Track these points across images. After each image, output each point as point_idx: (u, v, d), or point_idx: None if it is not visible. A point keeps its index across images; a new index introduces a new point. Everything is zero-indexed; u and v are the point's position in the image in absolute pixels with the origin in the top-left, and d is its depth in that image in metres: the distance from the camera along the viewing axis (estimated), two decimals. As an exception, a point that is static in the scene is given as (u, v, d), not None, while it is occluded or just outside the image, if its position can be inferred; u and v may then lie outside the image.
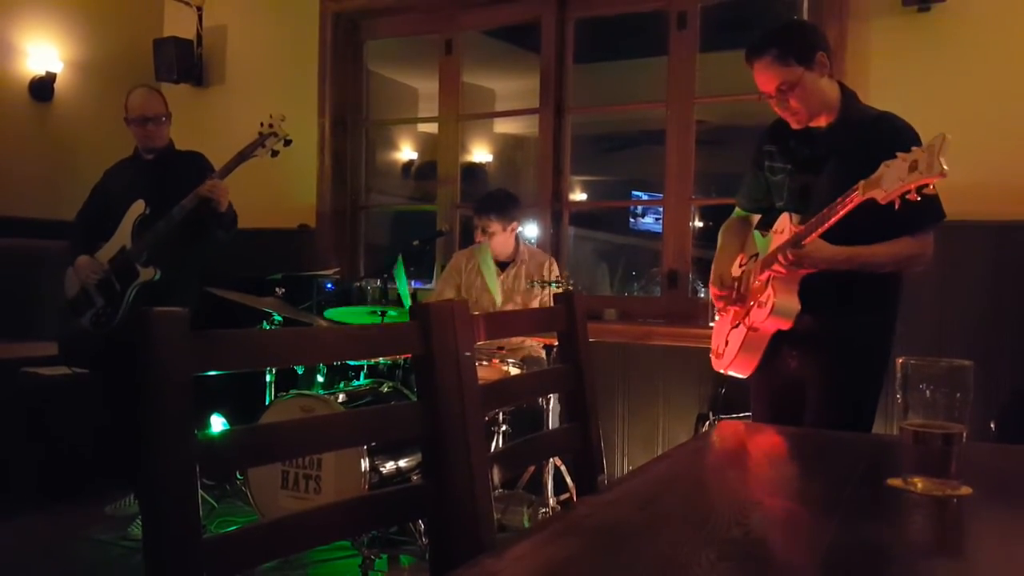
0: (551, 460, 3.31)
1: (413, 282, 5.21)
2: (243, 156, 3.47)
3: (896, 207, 1.91)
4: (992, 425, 2.99)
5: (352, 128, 4.88)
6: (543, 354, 3.68)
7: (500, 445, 3.29)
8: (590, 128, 7.51)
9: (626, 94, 6.37)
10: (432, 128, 5.30)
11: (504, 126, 8.35)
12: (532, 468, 3.39)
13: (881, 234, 2.15)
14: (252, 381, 3.68)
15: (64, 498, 3.84)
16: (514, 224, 3.76)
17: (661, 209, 4.34)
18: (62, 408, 4.00)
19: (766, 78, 2.27)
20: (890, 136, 2.17)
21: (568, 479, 3.40)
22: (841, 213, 2.06)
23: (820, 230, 2.13)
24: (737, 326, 2.44)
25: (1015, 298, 3.24)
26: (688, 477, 1.47)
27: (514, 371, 3.39)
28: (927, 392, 1.23)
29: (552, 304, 1.76)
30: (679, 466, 1.53)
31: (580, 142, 5.39)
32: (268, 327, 3.63)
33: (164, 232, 3.44)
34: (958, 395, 1.23)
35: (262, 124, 3.50)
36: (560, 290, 3.30)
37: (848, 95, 2.32)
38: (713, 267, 2.56)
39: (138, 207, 3.54)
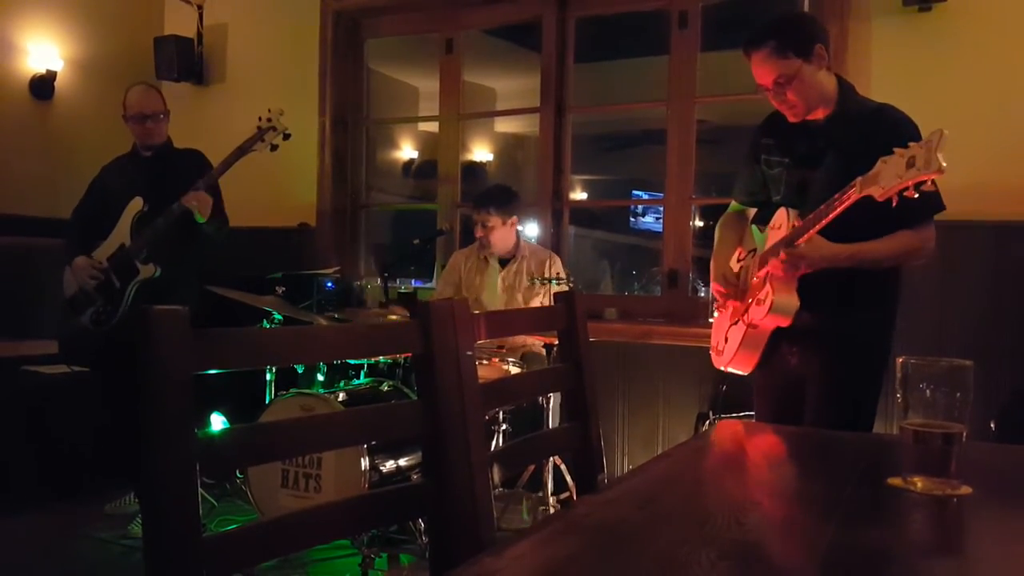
0: (551, 459, 3.31)
1: (413, 281, 5.22)
2: (242, 151, 3.47)
3: (893, 204, 1.90)
4: (992, 425, 2.99)
5: (353, 127, 4.88)
6: (543, 350, 3.68)
7: (500, 444, 3.29)
8: (591, 127, 7.51)
9: (627, 93, 6.37)
10: (433, 127, 5.30)
11: (505, 125, 8.36)
12: (532, 467, 3.39)
13: (880, 228, 2.12)
14: (252, 380, 3.67)
15: (64, 497, 3.84)
16: (513, 218, 3.76)
17: (661, 208, 4.34)
18: (62, 407, 4.00)
19: (763, 71, 2.24)
20: (889, 128, 2.16)
21: (568, 478, 3.40)
22: (837, 211, 2.04)
23: (814, 230, 2.10)
24: (736, 323, 2.43)
25: (1015, 298, 3.24)
26: (688, 476, 1.47)
27: (514, 370, 3.39)
28: (927, 392, 1.23)
29: (553, 302, 1.76)
30: (679, 465, 1.52)
31: (581, 141, 5.39)
32: (268, 326, 3.63)
33: (163, 229, 3.44)
34: (958, 395, 1.23)
35: (260, 118, 3.50)
36: (561, 288, 3.31)
37: (846, 87, 2.30)
38: (713, 264, 2.54)
39: (136, 204, 3.53)
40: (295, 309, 3.67)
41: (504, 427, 3.33)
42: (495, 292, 3.78)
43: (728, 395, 3.50)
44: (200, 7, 5.03)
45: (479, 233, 3.75)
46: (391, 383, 3.52)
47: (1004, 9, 3.29)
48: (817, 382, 2.29)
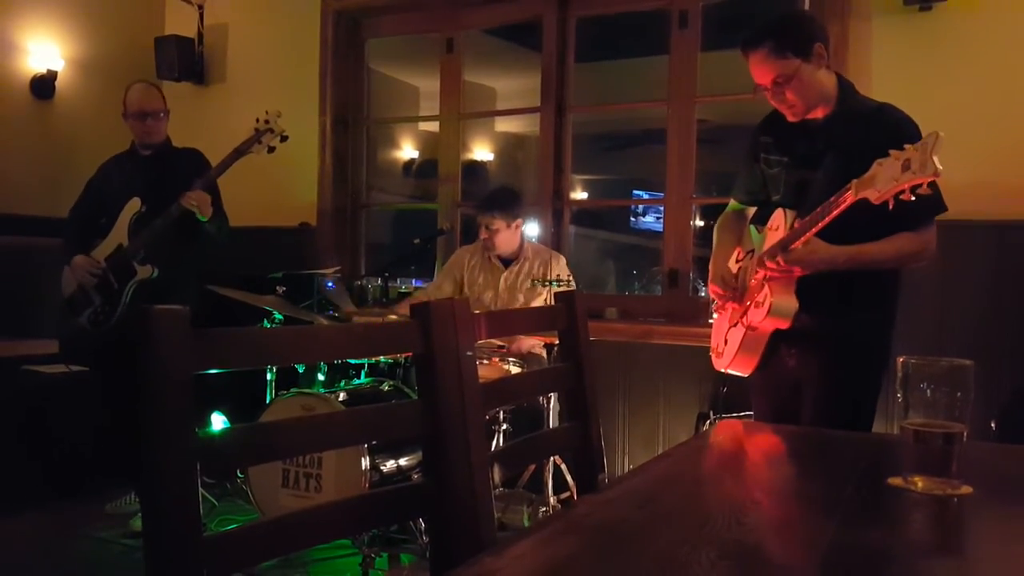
0: (551, 459, 3.31)
1: (414, 281, 5.21)
2: (239, 153, 3.47)
3: (890, 207, 1.89)
4: (993, 424, 2.99)
5: (353, 126, 4.88)
6: (543, 352, 3.68)
7: (500, 444, 3.29)
8: (591, 127, 7.51)
9: (627, 93, 6.36)
10: (433, 127, 5.30)
11: (505, 125, 8.36)
12: (532, 467, 3.39)
13: (880, 230, 2.10)
14: (253, 379, 3.67)
15: (64, 496, 3.84)
16: (518, 221, 3.76)
17: (662, 208, 4.34)
18: (62, 406, 4.00)
19: (762, 71, 2.22)
20: (890, 128, 2.14)
21: (568, 478, 3.40)
22: (833, 214, 2.02)
23: (809, 234, 2.09)
24: (735, 325, 2.42)
25: (1015, 297, 3.24)
26: (688, 476, 1.47)
27: (515, 370, 3.39)
28: (928, 391, 1.23)
29: (554, 303, 1.76)
30: (679, 465, 1.52)
31: (581, 141, 5.38)
32: (269, 325, 3.63)
33: (160, 230, 3.44)
34: (959, 394, 1.23)
35: (258, 120, 3.50)
36: (563, 288, 3.30)
37: (845, 86, 2.28)
38: (711, 265, 2.53)
39: (134, 205, 3.54)
40: (296, 309, 3.67)
41: (504, 427, 3.33)
42: (497, 293, 3.78)
43: (728, 395, 3.50)
44: (201, 7, 5.03)
45: (483, 235, 3.75)
46: (392, 383, 3.52)
47: (1004, 9, 3.29)
48: (816, 383, 2.28)
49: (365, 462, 3.03)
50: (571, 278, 3.68)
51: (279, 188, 4.76)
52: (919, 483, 1.24)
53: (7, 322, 4.18)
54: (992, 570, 1.04)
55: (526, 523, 3.22)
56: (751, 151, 2.46)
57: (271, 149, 3.51)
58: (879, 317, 2.26)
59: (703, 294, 4.09)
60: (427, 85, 6.23)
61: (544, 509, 3.26)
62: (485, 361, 3.37)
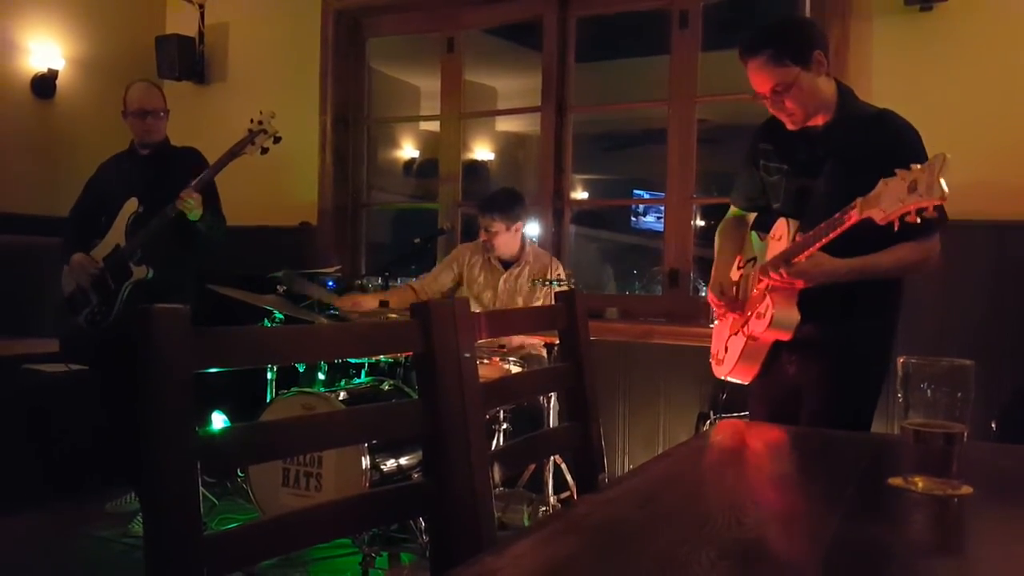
0: (552, 458, 3.31)
1: (414, 280, 5.21)
2: (233, 154, 3.46)
3: (895, 228, 1.87)
4: (993, 425, 2.98)
5: (354, 126, 4.88)
6: (543, 351, 3.68)
7: (501, 443, 3.29)
8: (592, 126, 7.52)
9: (628, 93, 6.36)
10: (434, 126, 5.30)
11: (506, 124, 8.36)
12: (533, 466, 3.39)
13: (883, 239, 2.07)
14: (253, 378, 3.68)
15: (65, 495, 3.84)
16: (518, 224, 3.75)
17: (662, 208, 4.34)
18: (62, 405, 4.00)
19: (761, 79, 2.20)
20: (890, 135, 2.13)
21: (569, 477, 3.40)
22: (838, 231, 2.01)
23: (812, 249, 2.08)
24: (736, 334, 2.40)
25: (1016, 297, 3.23)
26: (688, 476, 1.47)
27: (515, 369, 3.39)
28: (928, 391, 1.23)
29: (554, 302, 1.76)
30: (680, 465, 1.52)
31: (582, 140, 5.39)
32: (269, 325, 3.63)
33: (156, 230, 3.44)
34: (959, 394, 1.22)
35: (252, 121, 3.49)
36: (563, 289, 3.30)
37: (845, 93, 2.26)
38: (712, 273, 2.51)
39: (131, 205, 3.53)
40: (296, 308, 3.67)
41: (505, 426, 3.32)
42: (496, 294, 3.78)
43: (728, 396, 3.50)
44: (202, 6, 5.03)
45: (483, 237, 3.76)
46: (392, 382, 3.52)
47: (1005, 8, 3.29)
48: (815, 390, 2.27)
49: (365, 461, 3.03)
50: (570, 277, 3.68)
51: (280, 187, 4.76)
52: (919, 483, 1.24)
53: (7, 321, 4.18)
54: (992, 570, 1.04)
55: (526, 522, 3.22)
56: (750, 157, 2.43)
57: (264, 150, 3.50)
58: (881, 326, 2.25)
59: (703, 294, 4.09)
60: (428, 84, 6.23)
61: (544, 509, 3.26)
62: (485, 360, 3.37)
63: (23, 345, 4.10)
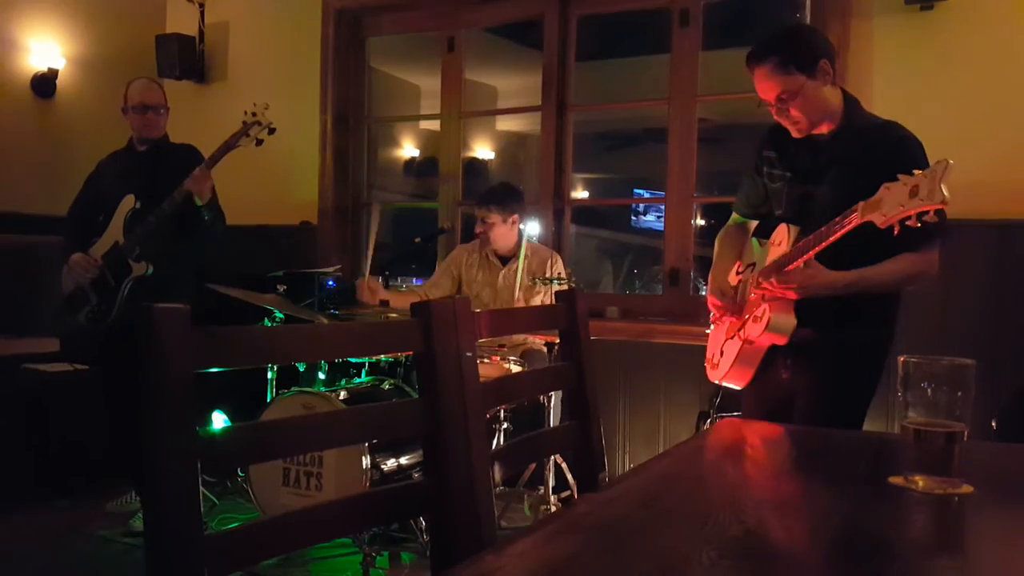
0: (552, 457, 3.31)
1: (414, 280, 5.22)
2: (228, 146, 3.45)
3: (895, 232, 1.87)
4: (993, 424, 2.98)
5: (354, 125, 4.88)
6: (543, 347, 3.68)
7: (501, 442, 3.29)
8: (592, 126, 7.51)
9: (628, 92, 6.36)
10: (434, 125, 5.30)
11: (506, 123, 8.36)
12: (533, 465, 3.40)
13: (881, 249, 2.08)
14: (253, 378, 3.67)
15: (65, 494, 3.84)
16: (514, 217, 3.76)
17: (663, 207, 4.34)
18: (63, 404, 4.00)
19: (767, 86, 2.20)
20: (894, 145, 2.13)
21: (569, 476, 3.40)
22: (837, 235, 2.01)
23: (809, 254, 2.08)
24: (732, 338, 2.40)
25: (1016, 297, 3.23)
26: (689, 475, 1.47)
27: (515, 368, 3.39)
28: (929, 390, 1.23)
29: (554, 301, 1.76)
30: (680, 464, 1.53)
31: (582, 140, 5.39)
32: (270, 324, 3.63)
33: (154, 227, 3.44)
34: (959, 393, 1.23)
35: (246, 113, 3.48)
36: (563, 287, 3.30)
37: (851, 102, 2.26)
38: (711, 277, 2.51)
39: (128, 202, 3.53)
40: (296, 307, 3.67)
41: (505, 425, 3.33)
42: (496, 291, 3.78)
43: (727, 396, 3.50)
44: (202, 5, 5.03)
45: (479, 229, 3.77)
46: (392, 381, 3.52)
47: (1005, 8, 3.29)
48: (808, 394, 2.26)
49: (366, 461, 3.03)
50: (571, 275, 3.68)
51: (280, 186, 4.76)
52: (920, 482, 1.24)
53: (8, 320, 4.18)
54: (992, 569, 1.04)
55: (527, 512, 3.23)
56: (754, 164, 2.44)
57: (259, 142, 3.48)
58: (878, 337, 2.24)
59: (704, 293, 4.09)
60: (428, 84, 6.22)
61: (545, 508, 3.26)
62: (486, 359, 3.37)
63: (23, 344, 4.11)
